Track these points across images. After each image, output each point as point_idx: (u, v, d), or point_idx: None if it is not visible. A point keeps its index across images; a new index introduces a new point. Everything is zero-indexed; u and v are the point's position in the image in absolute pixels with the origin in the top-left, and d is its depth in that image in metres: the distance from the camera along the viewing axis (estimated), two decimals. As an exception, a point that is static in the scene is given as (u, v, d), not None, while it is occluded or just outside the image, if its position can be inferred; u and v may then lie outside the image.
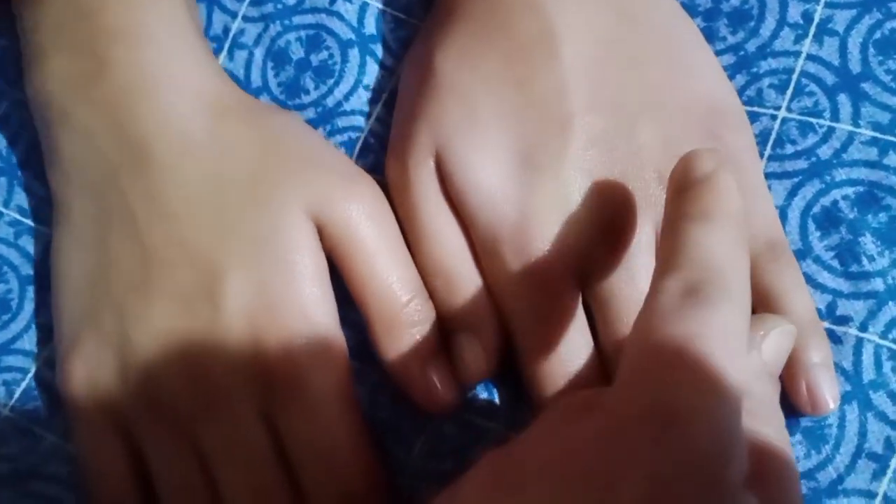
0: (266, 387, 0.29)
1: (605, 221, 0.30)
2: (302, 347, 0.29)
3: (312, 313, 0.30)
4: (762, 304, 0.30)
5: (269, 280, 0.30)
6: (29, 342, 0.35)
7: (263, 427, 0.29)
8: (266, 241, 0.30)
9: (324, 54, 0.36)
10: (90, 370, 0.31)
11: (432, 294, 0.31)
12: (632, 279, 0.29)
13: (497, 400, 0.32)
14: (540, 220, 0.29)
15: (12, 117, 0.38)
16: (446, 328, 0.32)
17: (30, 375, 0.35)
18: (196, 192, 0.31)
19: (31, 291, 0.36)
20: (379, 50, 0.36)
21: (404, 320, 0.30)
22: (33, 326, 0.35)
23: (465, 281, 0.31)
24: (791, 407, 0.30)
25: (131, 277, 0.31)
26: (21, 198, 0.37)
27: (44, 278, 0.36)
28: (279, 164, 0.32)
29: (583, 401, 0.23)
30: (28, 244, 0.36)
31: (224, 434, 0.29)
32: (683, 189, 0.26)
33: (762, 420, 0.26)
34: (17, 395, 0.34)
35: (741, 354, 0.22)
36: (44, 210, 0.36)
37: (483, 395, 0.32)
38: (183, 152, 0.31)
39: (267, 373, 0.29)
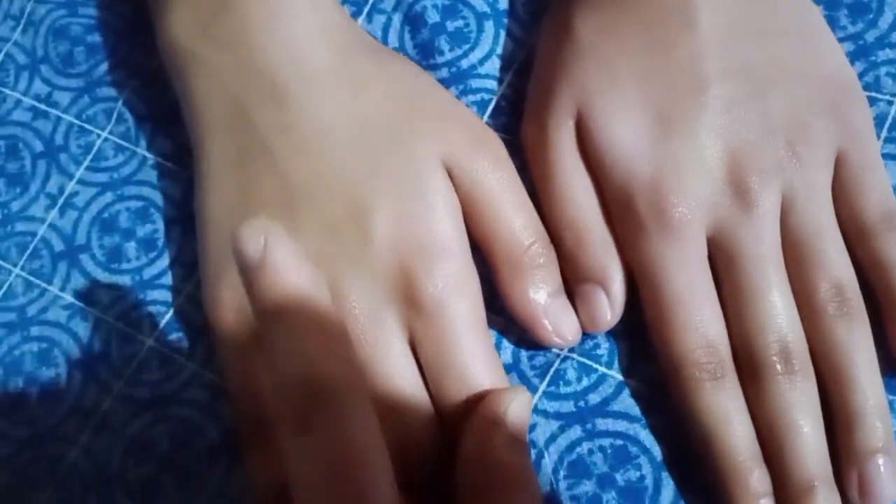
0: (410, 309, 0.31)
1: (738, 183, 0.31)
2: (445, 277, 0.31)
3: (453, 248, 0.32)
4: (875, 270, 0.32)
5: (412, 216, 0.32)
6: (173, 278, 0.37)
7: (405, 345, 0.32)
8: (408, 182, 0.32)
9: (459, 22, 0.38)
10: (238, 297, 0.33)
11: (562, 246, 0.34)
12: (758, 239, 0.31)
13: (618, 349, 0.33)
14: (674, 176, 0.31)
15: (162, 73, 0.40)
16: (573, 279, 0.33)
17: (173, 309, 0.37)
18: (331, 126, 0.33)
19: (174, 231, 0.38)
20: (511, 23, 0.39)
21: (527, 262, 0.33)
22: (177, 264, 0.38)
23: (596, 234, 0.33)
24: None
25: (274, 208, 0.33)
26: (164, 143, 0.39)
27: (186, 218, 0.38)
28: (414, 111, 0.34)
29: None
30: (170, 187, 0.39)
31: (372, 354, 0.31)
32: (247, 280, 0.26)
33: (514, 486, 0.28)
34: (161, 326, 0.37)
35: None
36: (184, 156, 0.39)
37: (605, 343, 0.34)
38: (312, 85, 0.33)
39: (413, 297, 0.31)
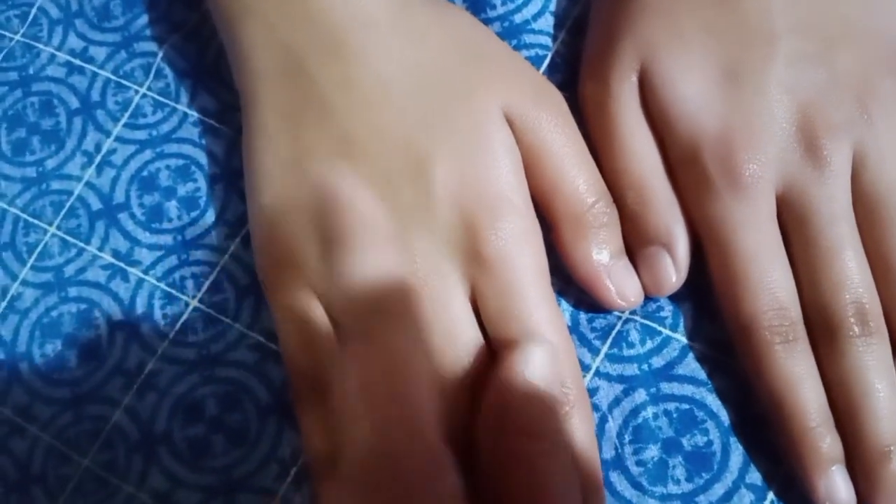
0: (473, 263, 0.30)
1: (809, 139, 0.30)
2: (509, 230, 0.30)
3: (517, 201, 0.31)
4: None
5: (475, 168, 0.31)
6: (216, 237, 0.36)
7: (466, 300, 0.31)
8: (470, 134, 0.31)
9: (512, -23, 0.37)
10: (292, 255, 0.32)
11: (623, 207, 0.33)
12: (830, 197, 0.30)
13: (682, 311, 0.33)
14: (744, 132, 0.31)
15: (202, 28, 0.39)
16: (636, 240, 0.32)
17: (217, 269, 0.36)
18: (389, 77, 0.32)
19: (218, 189, 0.37)
20: (564, -22, 0.37)
21: (590, 220, 0.32)
22: (221, 222, 0.36)
23: (659, 193, 0.32)
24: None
25: (331, 161, 0.32)
26: (205, 99, 0.38)
27: (229, 176, 0.37)
28: (474, 61, 0.33)
29: None
30: (213, 144, 0.38)
31: (432, 308, 0.30)
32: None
33: (534, 440, 0.28)
34: (205, 287, 0.36)
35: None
36: (226, 112, 0.38)
37: (668, 306, 0.33)
38: (370, 34, 0.32)
39: (476, 251, 0.30)
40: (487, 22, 0.37)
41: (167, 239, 0.37)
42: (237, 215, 0.36)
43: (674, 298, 0.33)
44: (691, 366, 0.32)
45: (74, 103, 0.39)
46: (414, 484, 0.24)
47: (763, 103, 0.31)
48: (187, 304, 0.36)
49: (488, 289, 0.30)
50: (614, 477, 0.31)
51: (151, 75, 0.39)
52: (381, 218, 0.31)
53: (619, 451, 0.31)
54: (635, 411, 0.32)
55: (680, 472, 0.31)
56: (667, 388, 0.32)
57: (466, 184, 0.31)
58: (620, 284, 0.32)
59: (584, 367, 0.32)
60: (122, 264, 0.37)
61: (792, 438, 0.30)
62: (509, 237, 0.30)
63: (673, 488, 0.31)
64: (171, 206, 0.37)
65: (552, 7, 0.37)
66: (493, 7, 0.37)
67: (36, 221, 0.38)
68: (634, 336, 0.33)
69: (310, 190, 0.32)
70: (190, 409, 0.34)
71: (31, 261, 0.37)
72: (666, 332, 0.32)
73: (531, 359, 0.29)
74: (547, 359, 0.29)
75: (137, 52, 0.40)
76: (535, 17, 0.37)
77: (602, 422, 0.32)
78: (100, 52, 0.40)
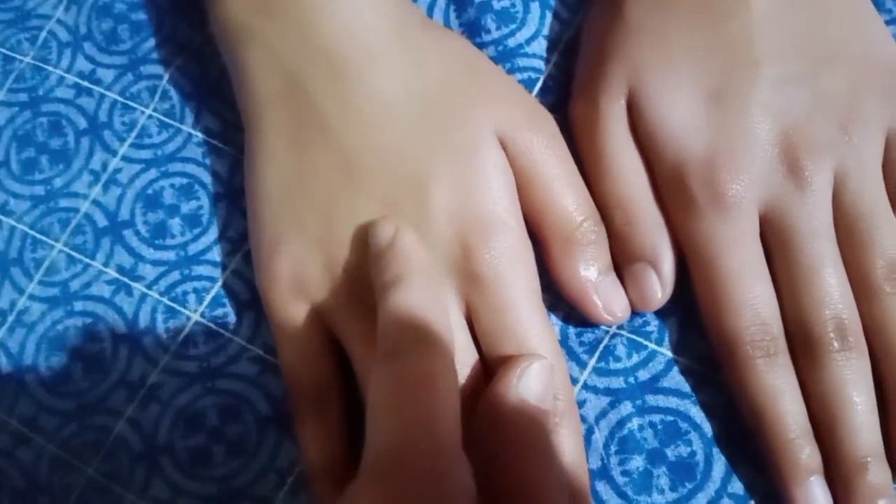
0: (467, 281, 0.32)
1: (791, 160, 0.31)
2: (502, 249, 0.32)
3: (509, 221, 0.32)
4: None
5: (470, 189, 0.32)
6: (218, 254, 0.37)
7: (461, 317, 0.32)
8: (466, 156, 0.32)
9: (506, 2, 0.38)
10: (296, 270, 0.33)
11: (611, 226, 0.34)
12: (811, 216, 0.31)
13: (667, 325, 0.34)
14: (728, 153, 0.32)
15: (206, 50, 0.40)
16: (623, 258, 0.34)
17: (218, 284, 0.37)
18: (389, 100, 0.33)
19: (219, 207, 0.38)
20: (557, 4, 0.39)
21: (579, 238, 0.33)
22: (223, 239, 0.38)
23: (646, 212, 0.33)
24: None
25: (331, 180, 0.33)
26: (209, 120, 0.40)
27: (231, 195, 0.38)
28: (470, 85, 0.34)
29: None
30: (216, 164, 0.39)
31: None
32: (375, 258, 0.30)
33: (526, 451, 0.28)
34: (206, 301, 0.37)
35: (449, 390, 0.27)
36: (230, 132, 0.39)
37: (654, 321, 0.34)
38: (369, 58, 0.33)
39: (471, 269, 0.31)
40: (482, 46, 0.38)
41: (170, 255, 0.38)
42: (239, 232, 0.37)
43: (659, 314, 0.34)
44: (676, 379, 0.33)
45: (82, 124, 0.41)
46: (429, 481, 0.25)
47: (746, 125, 0.32)
48: (189, 318, 0.37)
49: (482, 305, 0.31)
50: (600, 487, 0.32)
51: (157, 97, 0.40)
52: None
53: (606, 461, 0.32)
54: (621, 423, 0.33)
55: (664, 482, 0.32)
56: (652, 400, 0.33)
57: (462, 204, 0.32)
58: (607, 300, 0.33)
59: (573, 381, 0.33)
60: (126, 279, 0.38)
61: (772, 449, 0.31)
62: (502, 256, 0.31)
63: (657, 498, 0.32)
64: (175, 224, 0.38)
65: (545, 31, 0.38)
66: (488, 31, 0.38)
67: (43, 238, 0.39)
68: (621, 350, 0.34)
69: (310, 208, 0.33)
70: (191, 420, 0.35)
71: (39, 276, 0.38)
72: (652, 346, 0.33)
73: (525, 374, 0.30)
74: (540, 375, 0.30)
75: (144, 75, 0.41)
76: (529, 40, 0.38)
77: (589, 433, 0.33)
78: (107, 75, 0.41)
